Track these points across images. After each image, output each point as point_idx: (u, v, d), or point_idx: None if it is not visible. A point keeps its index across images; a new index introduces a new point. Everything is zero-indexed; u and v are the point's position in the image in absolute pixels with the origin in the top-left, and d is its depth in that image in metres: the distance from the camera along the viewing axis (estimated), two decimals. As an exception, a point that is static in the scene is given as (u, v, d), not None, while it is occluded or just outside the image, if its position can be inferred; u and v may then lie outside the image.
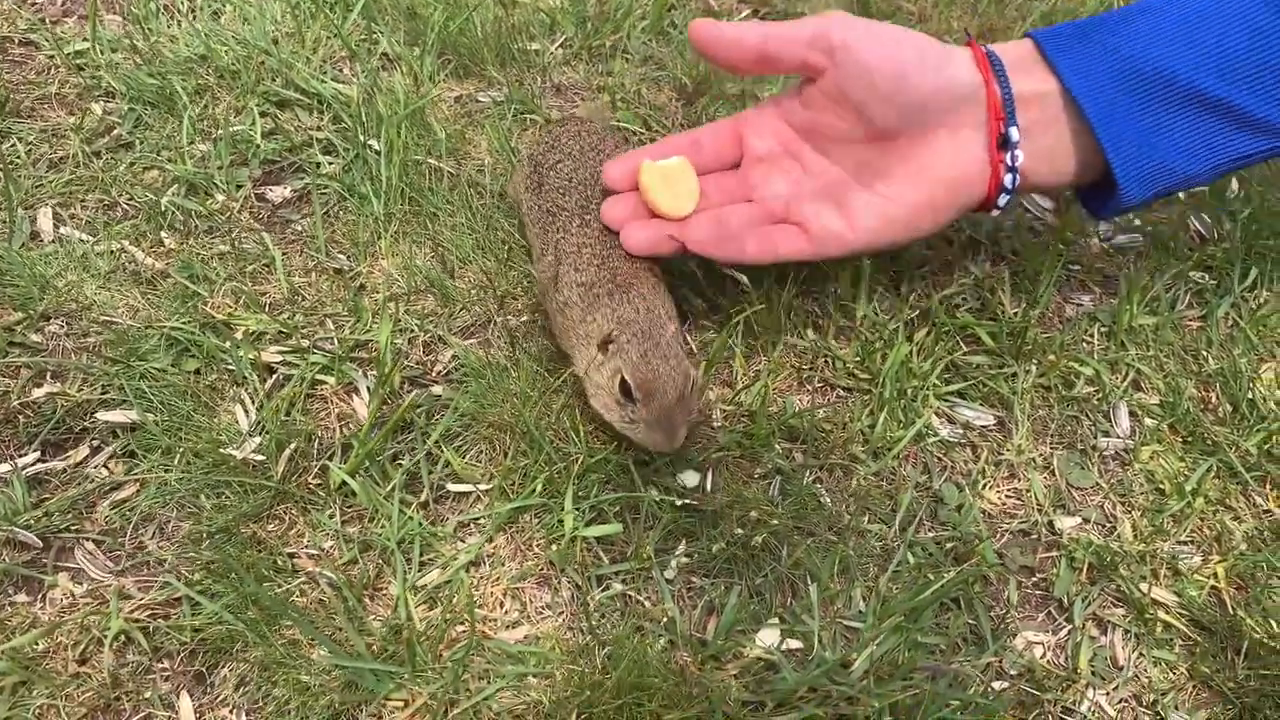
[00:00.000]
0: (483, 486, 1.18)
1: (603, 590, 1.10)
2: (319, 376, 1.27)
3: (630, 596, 1.10)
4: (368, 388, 1.26)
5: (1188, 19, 1.18)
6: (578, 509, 1.14)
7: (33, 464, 1.19)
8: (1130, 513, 1.25)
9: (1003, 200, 1.26)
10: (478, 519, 1.16)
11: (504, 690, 1.01)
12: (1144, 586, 1.17)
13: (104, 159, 1.55)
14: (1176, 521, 1.24)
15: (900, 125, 1.22)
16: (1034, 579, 1.20)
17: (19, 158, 1.53)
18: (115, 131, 1.60)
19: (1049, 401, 1.35)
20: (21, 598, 1.08)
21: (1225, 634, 1.13)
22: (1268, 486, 1.27)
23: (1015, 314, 1.39)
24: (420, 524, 1.13)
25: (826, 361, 1.36)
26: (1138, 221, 1.59)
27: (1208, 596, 1.17)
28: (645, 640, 1.05)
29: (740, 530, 1.15)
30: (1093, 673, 1.11)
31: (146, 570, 1.11)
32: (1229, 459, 1.28)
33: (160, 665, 1.04)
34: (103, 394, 1.25)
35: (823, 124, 1.27)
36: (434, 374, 1.30)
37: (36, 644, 1.03)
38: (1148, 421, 1.33)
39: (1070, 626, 1.15)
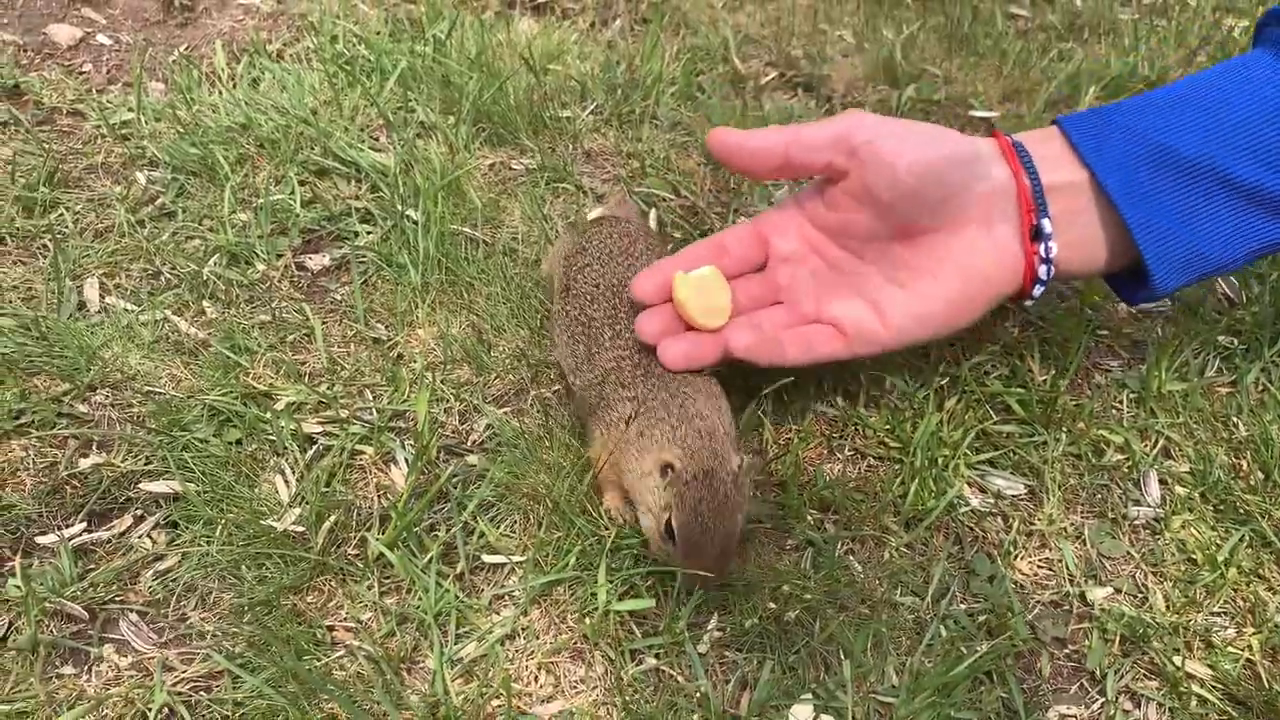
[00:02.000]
0: (517, 558, 1.19)
1: (636, 665, 1.11)
2: (358, 447, 1.30)
3: (664, 671, 1.11)
4: (405, 458, 1.29)
5: (1213, 104, 1.19)
6: (610, 582, 1.15)
7: (79, 534, 1.21)
8: (1162, 583, 1.25)
9: (1038, 291, 1.26)
10: (512, 592, 1.17)
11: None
12: (1177, 659, 1.17)
13: (148, 228, 1.60)
14: (1209, 592, 1.23)
15: (929, 222, 1.22)
16: (1066, 651, 1.20)
17: (66, 227, 1.58)
18: (159, 200, 1.65)
19: (1079, 470, 1.36)
20: (69, 670, 1.10)
21: (1261, 709, 1.13)
22: (1302, 558, 1.27)
23: (1044, 381, 1.40)
24: (456, 596, 1.15)
25: (857, 430, 1.38)
26: (1165, 285, 1.59)
27: (1242, 669, 1.17)
28: (678, 716, 1.06)
29: (773, 605, 1.16)
30: (1127, 749, 1.11)
31: (189, 642, 1.13)
32: (1261, 528, 1.27)
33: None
34: (146, 464, 1.28)
35: (848, 222, 1.26)
36: (469, 443, 1.33)
37: (85, 719, 1.05)
38: (1179, 490, 1.33)
39: (1103, 700, 1.15)
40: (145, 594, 1.17)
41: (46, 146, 1.71)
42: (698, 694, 1.09)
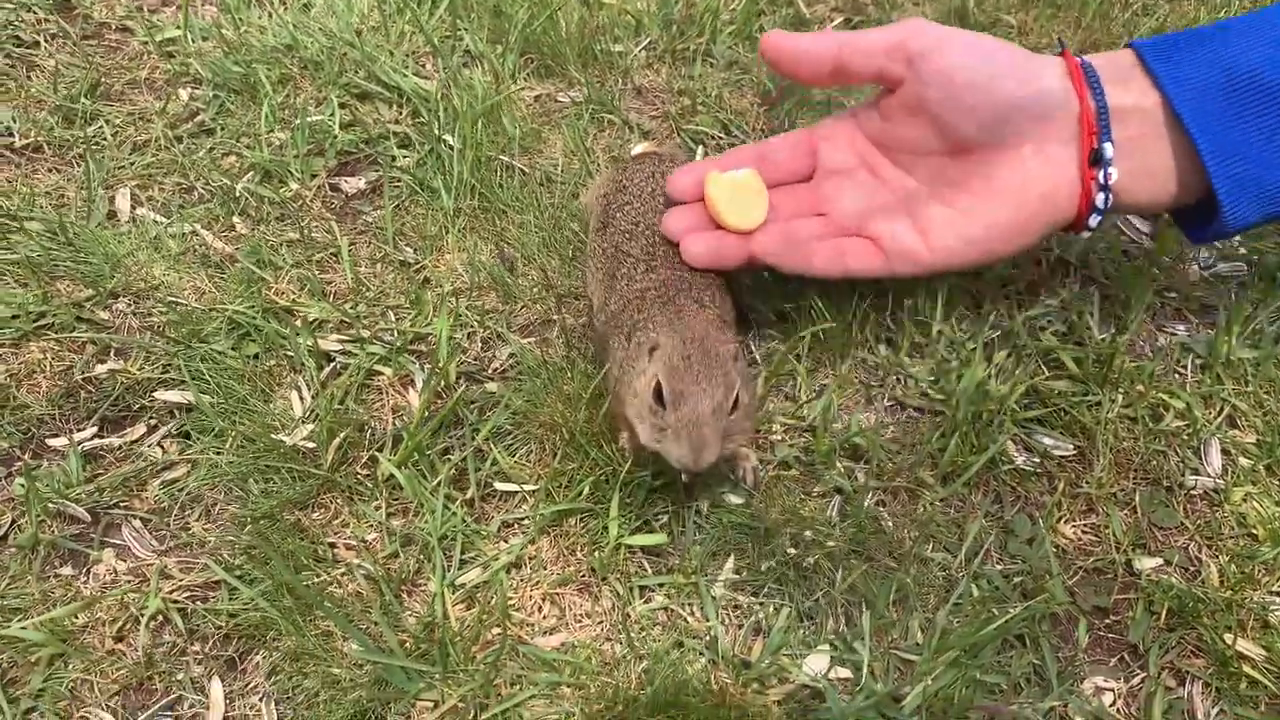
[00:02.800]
0: (529, 487, 1.15)
1: (645, 602, 1.06)
2: (376, 367, 1.26)
3: (673, 610, 1.06)
4: (424, 380, 1.24)
5: None
6: (624, 516, 1.10)
7: (90, 439, 1.19)
8: (1217, 557, 1.17)
9: (1094, 220, 1.19)
10: (522, 519, 1.13)
11: (536, 698, 0.98)
12: (1228, 637, 1.08)
13: (185, 143, 1.57)
14: (1269, 570, 1.15)
15: (982, 138, 1.16)
16: (1107, 621, 1.12)
17: (104, 139, 1.56)
18: (199, 117, 1.62)
19: (1134, 434, 1.27)
20: (67, 570, 1.09)
21: (1319, 695, 1.04)
22: (1374, 538, 1.17)
23: (1103, 340, 1.32)
24: (464, 521, 1.11)
25: (898, 379, 1.30)
26: (1243, 250, 1.49)
27: (1301, 653, 1.08)
28: (685, 657, 1.00)
29: (793, 550, 1.10)
30: (1167, 726, 1.03)
31: (189, 551, 1.10)
32: (1331, 506, 1.18)
33: (194, 648, 1.03)
34: (163, 373, 1.25)
35: (900, 136, 1.21)
36: (490, 370, 1.28)
37: (76, 618, 1.03)
38: (1242, 461, 1.24)
39: (1144, 675, 1.07)
40: (150, 502, 1.15)
41: (91, 60, 1.69)
42: (707, 636, 1.03)
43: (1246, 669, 1.06)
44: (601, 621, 1.05)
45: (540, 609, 1.06)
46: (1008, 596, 1.11)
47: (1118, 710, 1.05)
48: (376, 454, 1.16)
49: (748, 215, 1.19)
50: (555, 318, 1.31)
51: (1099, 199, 1.16)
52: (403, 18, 1.79)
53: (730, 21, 1.87)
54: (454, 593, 1.05)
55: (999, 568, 1.14)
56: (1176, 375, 1.33)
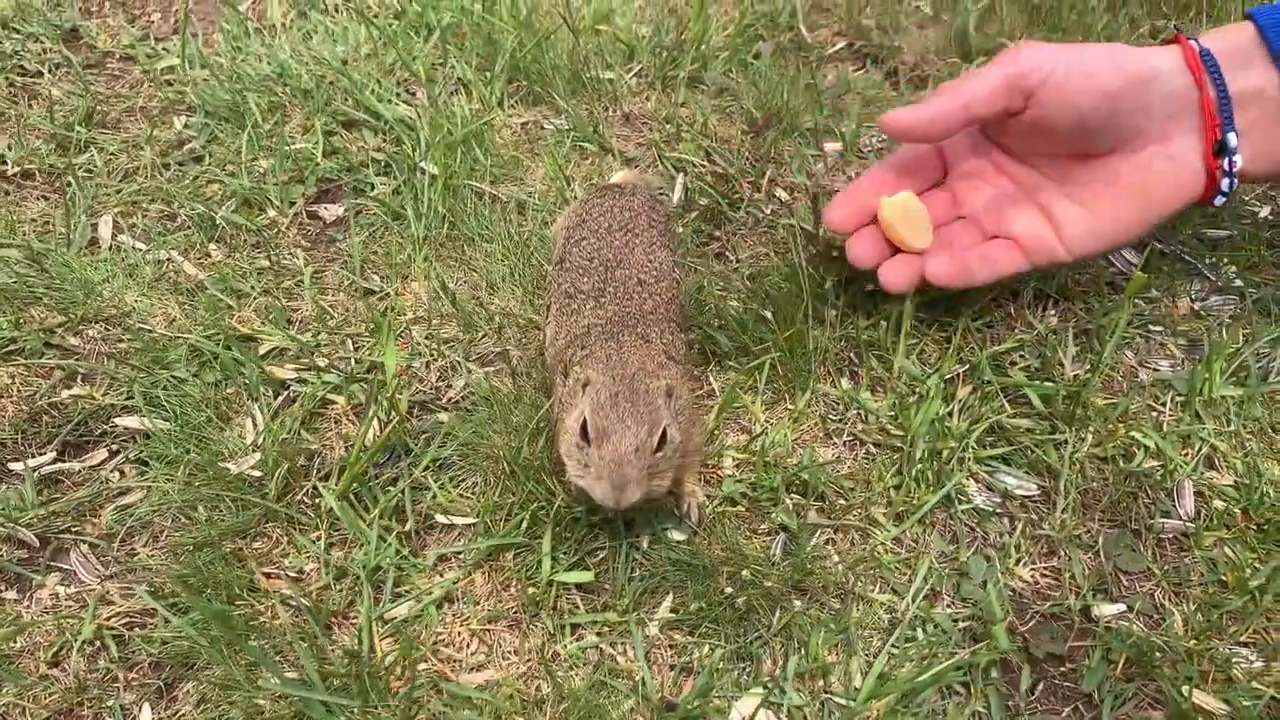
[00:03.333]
0: (469, 520, 1.14)
1: (576, 639, 1.05)
2: (330, 396, 1.27)
3: (604, 650, 1.04)
4: (367, 411, 1.25)
5: None
6: (560, 551, 1.09)
7: (50, 463, 1.22)
8: (1182, 604, 1.12)
9: (1219, 201, 1.22)
10: (459, 553, 1.12)
11: (453, 740, 0.97)
12: (1187, 689, 1.04)
13: (172, 171, 1.60)
14: (1237, 619, 1.10)
15: (1105, 147, 1.20)
16: (1061, 669, 1.08)
17: (95, 166, 1.60)
18: (189, 145, 1.66)
19: (1104, 474, 1.22)
20: (11, 595, 1.10)
21: (1280, 755, 0.99)
22: (1349, 589, 1.12)
23: (1075, 377, 1.28)
24: (398, 553, 1.10)
25: (859, 414, 1.28)
26: (1238, 281, 1.44)
27: (1264, 709, 1.03)
28: (611, 698, 0.99)
29: (730, 589, 1.07)
30: (1113, 783, 0.99)
31: (131, 577, 1.11)
32: (1307, 554, 1.13)
33: (128, 675, 1.04)
34: (126, 399, 1.27)
35: (1024, 145, 1.26)
36: (445, 400, 1.28)
37: (14, 642, 1.05)
38: (1216, 504, 1.19)
39: (1096, 727, 1.03)
40: (102, 527, 1.16)
41: (90, 88, 1.73)
42: (637, 677, 1.01)
43: (1203, 724, 1.02)
44: (529, 659, 1.04)
45: (469, 645, 1.05)
46: (955, 640, 1.07)
47: (1061, 764, 1.01)
48: (319, 484, 1.16)
49: (921, 234, 1.25)
50: (509, 348, 1.30)
51: (1224, 184, 1.20)
52: (394, 47, 1.81)
53: (723, 47, 1.86)
54: (383, 627, 1.05)
55: (949, 611, 1.11)
56: (1153, 413, 1.28)
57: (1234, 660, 1.06)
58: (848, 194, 1.27)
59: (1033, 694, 1.06)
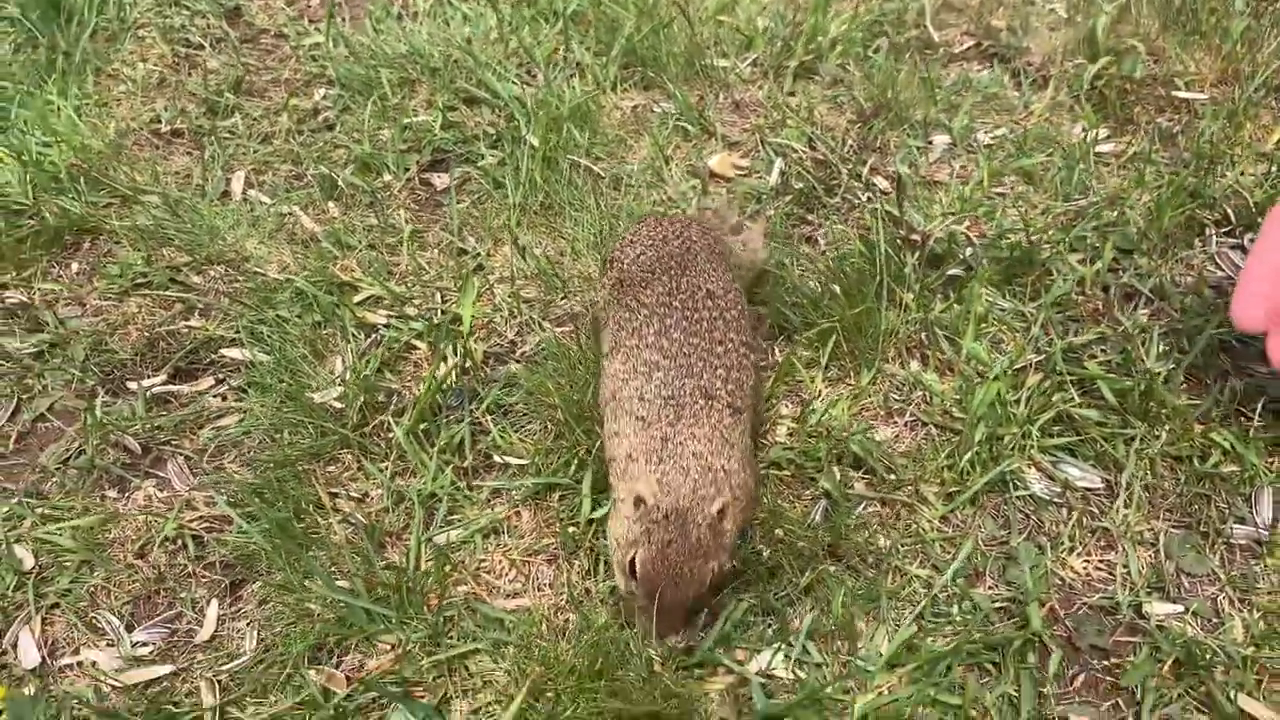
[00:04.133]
0: (522, 462, 1.19)
1: (609, 579, 1.09)
2: (413, 342, 1.34)
3: (634, 591, 1.07)
4: (438, 354, 1.32)
5: None
6: (601, 495, 1.13)
7: (161, 384, 1.34)
8: (1246, 612, 1.07)
9: None
10: (510, 489, 1.17)
11: (480, 653, 1.02)
12: (1237, 695, 1.00)
13: (305, 136, 1.73)
14: (1303, 631, 1.04)
15: None
16: (1105, 663, 1.05)
17: (236, 129, 1.74)
18: (323, 115, 1.78)
19: (1176, 473, 1.18)
20: (111, 494, 1.22)
21: (1326, 770, 0.94)
22: None
23: (1154, 373, 1.23)
24: (453, 483, 1.17)
25: (924, 396, 1.27)
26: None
27: (1320, 723, 0.98)
28: (629, 636, 1.02)
29: (762, 547, 1.09)
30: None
31: (215, 488, 1.21)
32: (1389, 571, 1.06)
33: (201, 572, 1.14)
34: (235, 333, 1.38)
35: None
36: (518, 354, 1.34)
37: (108, 531, 1.16)
38: (1298, 514, 1.14)
39: (1134, 723, 1.00)
40: (199, 443, 1.27)
41: (242, 60, 1.88)
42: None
43: (1250, 732, 0.97)
44: (562, 593, 1.08)
45: (508, 573, 1.10)
46: (990, 620, 1.06)
47: (1086, 754, 0.98)
48: (393, 419, 1.24)
49: None
50: (587, 314, 1.35)
51: None
52: (519, 34, 1.90)
53: (840, 39, 1.87)
54: (430, 549, 1.11)
55: (989, 592, 1.09)
56: (1240, 419, 1.23)
57: (1294, 670, 1.01)
58: (1251, 293, 1.17)
59: (1071, 684, 1.04)
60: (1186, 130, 1.67)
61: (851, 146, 1.68)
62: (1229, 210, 1.49)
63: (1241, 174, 1.55)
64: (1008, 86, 1.85)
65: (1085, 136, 1.64)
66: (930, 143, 1.69)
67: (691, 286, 1.14)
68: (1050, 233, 1.46)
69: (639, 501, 0.98)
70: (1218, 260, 1.45)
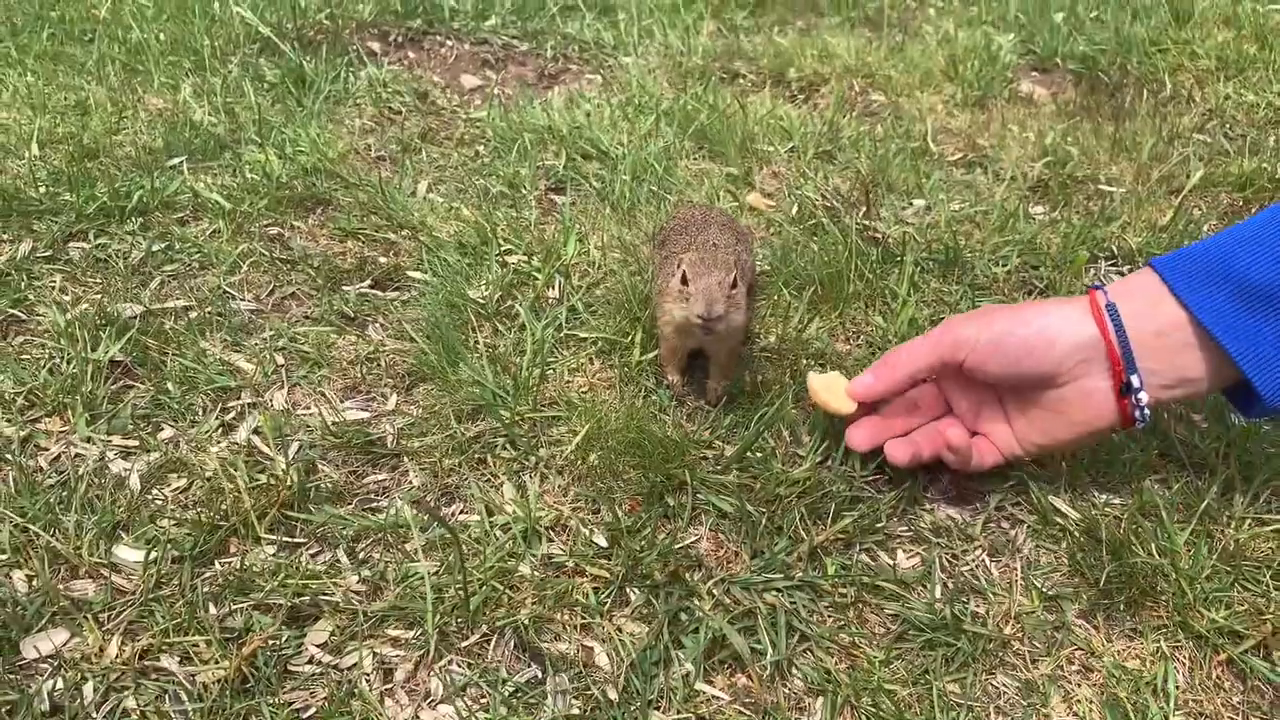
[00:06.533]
0: (598, 335, 1.83)
1: (647, 398, 1.69)
2: (534, 273, 2.01)
3: (668, 408, 1.68)
4: (558, 280, 1.99)
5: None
6: (644, 345, 1.75)
7: (367, 288, 2.02)
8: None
9: (1139, 426, 1.36)
10: (587, 343, 1.81)
11: (560, 419, 1.63)
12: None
13: (468, 167, 2.48)
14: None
15: (1032, 388, 1.40)
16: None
17: (420, 161, 2.49)
18: (480, 160, 2.53)
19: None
20: (333, 335, 1.87)
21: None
22: None
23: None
24: (553, 338, 1.80)
25: (872, 330, 1.88)
26: None
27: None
28: (661, 429, 1.61)
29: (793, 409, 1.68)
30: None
31: (400, 330, 1.86)
32: None
33: (388, 378, 1.77)
34: (416, 265, 2.07)
35: (967, 382, 1.48)
36: (600, 286, 2.00)
37: (331, 350, 1.81)
38: None
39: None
40: (390, 319, 1.93)
41: (427, 123, 2.67)
42: (689, 427, 1.64)
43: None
44: (616, 406, 1.69)
45: (583, 388, 1.72)
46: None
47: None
48: (519, 308, 1.89)
49: (846, 403, 1.51)
50: (651, 266, 2.01)
51: (1137, 415, 1.34)
52: (626, 112, 2.65)
53: (857, 138, 2.57)
54: (537, 369, 1.74)
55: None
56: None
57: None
58: (868, 420, 1.51)
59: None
60: (1104, 209, 2.30)
61: (851, 200, 2.34)
62: (1114, 248, 2.11)
63: (1134, 233, 2.17)
64: (979, 177, 2.51)
65: (1022, 205, 2.28)
66: (911, 204, 2.34)
67: (705, 237, 1.62)
68: (979, 248, 2.08)
69: (681, 259, 1.48)
70: (1100, 279, 2.04)
